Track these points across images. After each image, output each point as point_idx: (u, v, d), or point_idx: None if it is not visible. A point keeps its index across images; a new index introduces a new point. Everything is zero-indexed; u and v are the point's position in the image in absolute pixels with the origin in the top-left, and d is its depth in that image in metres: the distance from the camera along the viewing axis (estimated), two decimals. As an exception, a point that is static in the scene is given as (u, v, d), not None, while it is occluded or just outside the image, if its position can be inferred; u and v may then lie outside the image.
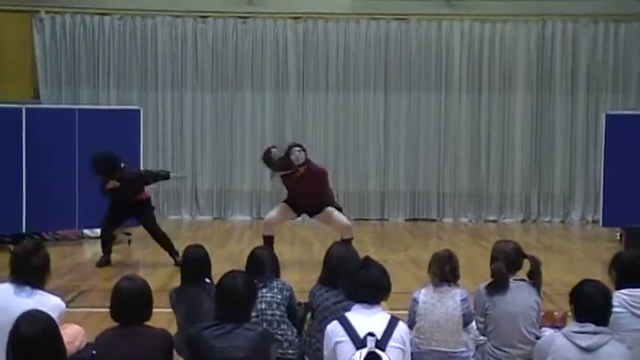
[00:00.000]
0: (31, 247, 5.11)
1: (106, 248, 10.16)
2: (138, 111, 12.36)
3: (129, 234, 11.50)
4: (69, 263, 10.19)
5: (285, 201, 10.15)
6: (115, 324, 4.70)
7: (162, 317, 5.98)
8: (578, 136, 14.65)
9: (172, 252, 10.09)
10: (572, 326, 4.51)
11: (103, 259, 10.09)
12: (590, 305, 4.43)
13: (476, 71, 14.62)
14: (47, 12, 14.30)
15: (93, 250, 11.10)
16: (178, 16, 14.48)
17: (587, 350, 4.33)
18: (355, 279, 4.76)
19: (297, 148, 9.64)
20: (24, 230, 10.87)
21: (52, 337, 3.73)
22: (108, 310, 4.73)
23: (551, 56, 14.60)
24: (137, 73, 14.47)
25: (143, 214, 10.18)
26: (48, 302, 4.85)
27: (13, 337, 3.71)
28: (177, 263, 9.79)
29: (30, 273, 4.95)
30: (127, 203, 9.99)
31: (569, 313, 4.96)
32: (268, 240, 9.85)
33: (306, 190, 9.77)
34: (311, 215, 10.25)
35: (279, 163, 9.69)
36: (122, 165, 9.90)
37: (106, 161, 9.78)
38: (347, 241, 9.36)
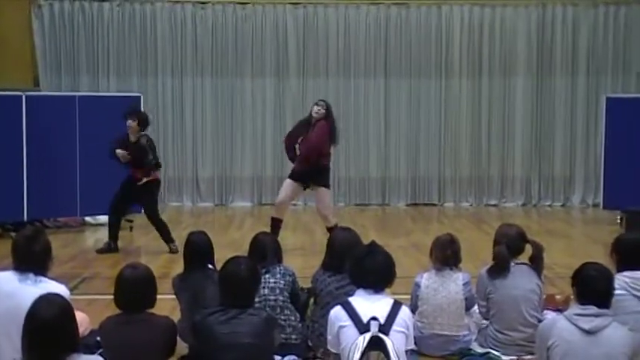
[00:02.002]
0: (30, 233, 5.06)
1: (112, 234, 10.06)
2: (138, 97, 12.34)
3: (130, 221, 11.48)
4: (71, 250, 10.18)
5: (289, 176, 9.87)
6: (119, 311, 4.73)
7: (166, 304, 6.00)
8: (578, 119, 14.63)
9: (169, 239, 10.04)
10: (574, 309, 4.52)
11: (106, 245, 9.99)
12: (592, 288, 4.44)
13: (476, 56, 14.57)
14: (46, -1, 14.29)
15: (95, 237, 11.11)
16: (177, 2, 14.43)
17: (589, 332, 4.35)
18: (362, 265, 4.77)
19: (322, 104, 9.68)
20: (25, 218, 10.86)
21: (69, 319, 3.71)
22: (111, 297, 4.75)
23: (552, 40, 14.55)
24: (137, 60, 14.43)
25: (143, 197, 10.02)
26: (53, 290, 4.81)
27: (31, 321, 3.67)
28: (172, 251, 9.83)
29: (32, 260, 4.90)
30: (132, 184, 9.85)
31: (572, 297, 4.98)
32: (276, 223, 9.69)
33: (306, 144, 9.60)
34: (308, 185, 9.75)
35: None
36: (144, 132, 9.92)
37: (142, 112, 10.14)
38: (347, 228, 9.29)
